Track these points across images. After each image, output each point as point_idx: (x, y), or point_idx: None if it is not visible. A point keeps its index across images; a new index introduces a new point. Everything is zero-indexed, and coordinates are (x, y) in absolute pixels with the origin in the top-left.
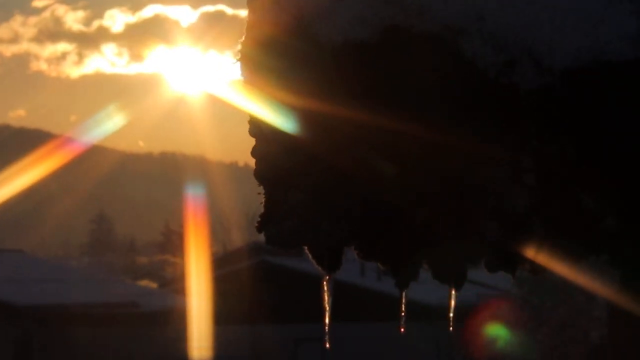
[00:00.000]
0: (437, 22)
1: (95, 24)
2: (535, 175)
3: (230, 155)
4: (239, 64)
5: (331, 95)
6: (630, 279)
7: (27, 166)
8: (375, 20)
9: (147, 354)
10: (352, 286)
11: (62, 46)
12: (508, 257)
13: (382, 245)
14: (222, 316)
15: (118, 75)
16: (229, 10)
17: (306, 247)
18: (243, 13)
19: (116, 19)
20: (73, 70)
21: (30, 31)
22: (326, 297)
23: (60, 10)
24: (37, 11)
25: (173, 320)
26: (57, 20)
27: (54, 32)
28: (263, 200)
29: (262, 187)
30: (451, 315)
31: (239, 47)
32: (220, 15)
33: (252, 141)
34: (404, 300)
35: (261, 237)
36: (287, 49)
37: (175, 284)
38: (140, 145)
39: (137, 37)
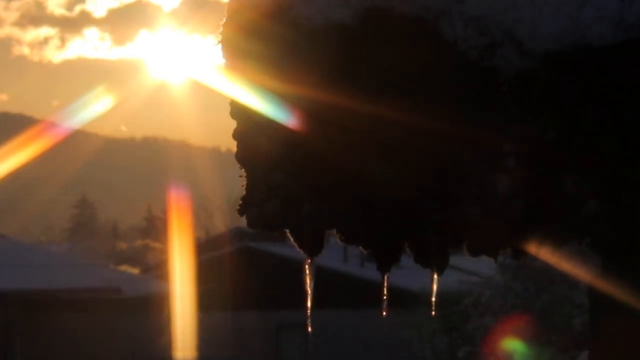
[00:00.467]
0: (418, 4)
1: (78, 8)
2: (516, 159)
3: (213, 140)
4: (220, 48)
5: (312, 78)
6: (611, 263)
7: (9, 151)
8: (356, 2)
9: (130, 340)
10: (335, 272)
11: (45, 30)
12: (490, 241)
13: (363, 228)
14: (204, 302)
15: (100, 60)
16: None
17: (288, 230)
18: None
19: (99, 4)
20: (55, 55)
21: (12, 15)
22: (308, 281)
23: None
24: None
25: (156, 306)
26: (40, 5)
27: (36, 17)
28: (245, 183)
29: (243, 169)
30: (433, 299)
31: (220, 31)
32: None
33: (233, 126)
34: (385, 284)
35: (244, 222)
36: (268, 33)
37: (157, 270)
38: (123, 130)
39: (119, 21)
